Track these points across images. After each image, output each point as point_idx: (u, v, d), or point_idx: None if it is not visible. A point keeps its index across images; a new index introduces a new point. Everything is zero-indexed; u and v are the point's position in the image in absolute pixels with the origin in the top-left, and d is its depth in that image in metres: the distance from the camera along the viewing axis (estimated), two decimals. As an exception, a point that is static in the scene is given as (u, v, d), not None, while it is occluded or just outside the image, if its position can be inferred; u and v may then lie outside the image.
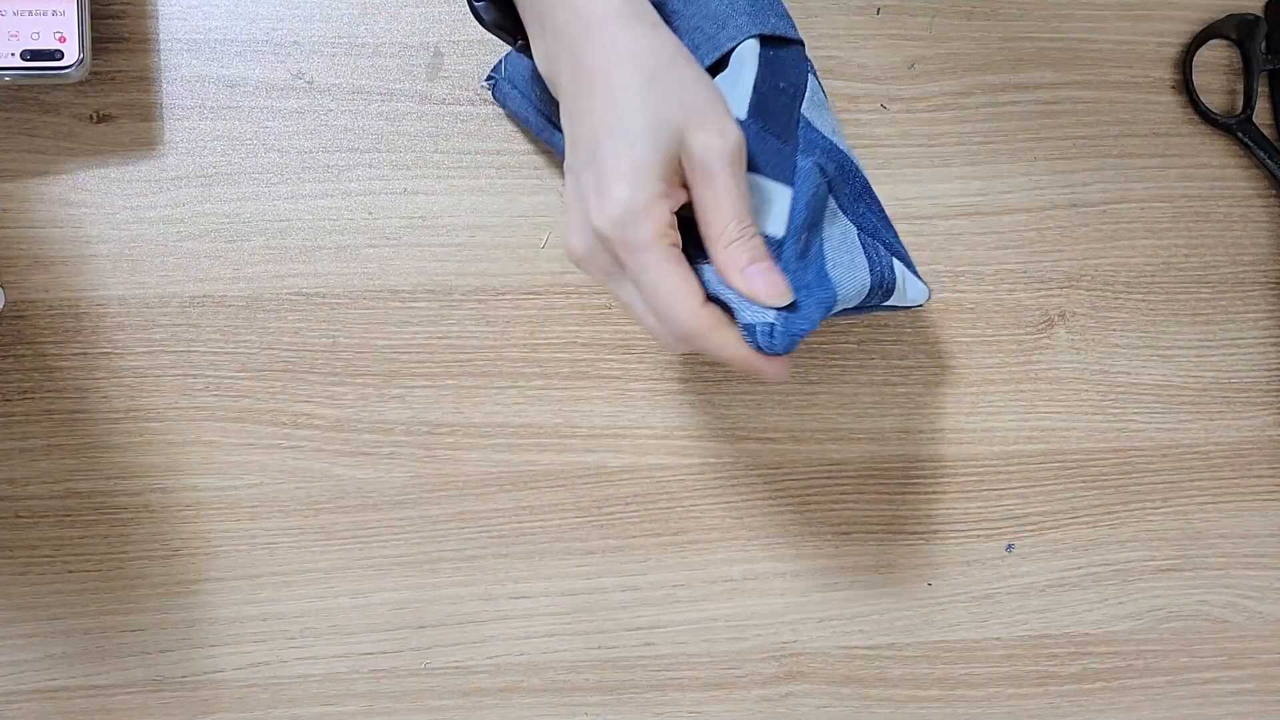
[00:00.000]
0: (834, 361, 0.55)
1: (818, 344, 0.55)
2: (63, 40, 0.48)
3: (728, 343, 0.40)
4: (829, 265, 0.43)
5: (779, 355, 0.41)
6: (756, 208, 0.42)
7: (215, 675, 0.52)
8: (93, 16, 0.50)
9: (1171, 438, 0.57)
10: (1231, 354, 0.57)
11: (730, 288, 0.40)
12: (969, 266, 0.56)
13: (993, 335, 0.56)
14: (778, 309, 0.40)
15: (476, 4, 0.44)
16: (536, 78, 0.47)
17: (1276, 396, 0.57)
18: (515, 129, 0.53)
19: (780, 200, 0.43)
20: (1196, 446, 0.57)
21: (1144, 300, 0.57)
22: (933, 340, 0.56)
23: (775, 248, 0.42)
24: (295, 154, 0.52)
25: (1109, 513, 0.56)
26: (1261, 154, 0.56)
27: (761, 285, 0.39)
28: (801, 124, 0.45)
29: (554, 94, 0.43)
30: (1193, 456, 0.57)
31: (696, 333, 0.39)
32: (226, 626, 0.52)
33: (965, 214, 0.56)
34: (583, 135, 0.39)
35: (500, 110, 0.53)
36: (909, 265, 0.47)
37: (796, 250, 0.42)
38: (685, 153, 0.39)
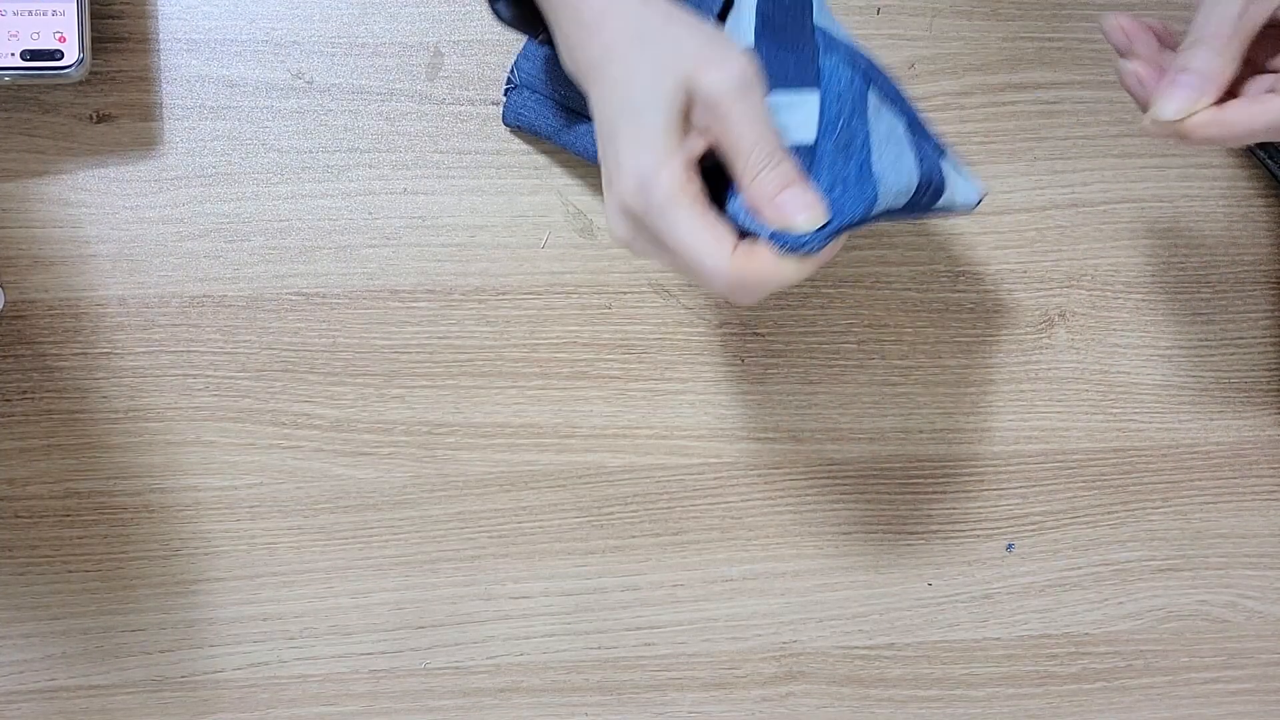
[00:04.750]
0: (834, 361, 0.55)
1: (818, 344, 0.55)
2: (62, 40, 0.48)
3: (767, 274, 0.38)
4: (874, 158, 0.41)
5: (815, 253, 0.38)
6: (783, 125, 0.40)
7: (215, 675, 0.52)
8: (93, 16, 0.50)
9: (1171, 438, 0.57)
10: (1231, 354, 0.57)
11: (763, 223, 0.38)
12: (969, 266, 0.56)
13: (993, 335, 0.56)
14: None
15: (495, 3, 0.44)
16: (554, 73, 0.48)
17: (1276, 396, 0.57)
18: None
19: (807, 104, 0.40)
20: (1196, 446, 0.57)
21: (1144, 300, 0.57)
22: (933, 340, 0.56)
23: (808, 155, 0.39)
24: (295, 154, 0.52)
25: (1109, 513, 0.56)
26: (1261, 154, 0.56)
27: (792, 210, 0.37)
28: (817, 31, 0.43)
29: (584, 90, 0.42)
30: (1193, 456, 0.57)
31: (735, 282, 0.37)
32: (226, 626, 0.52)
33: (965, 214, 0.56)
34: (602, 120, 0.39)
35: (500, 110, 0.53)
36: (956, 165, 0.45)
37: (834, 145, 0.39)
38: (695, 98, 0.37)
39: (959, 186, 0.44)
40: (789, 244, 0.38)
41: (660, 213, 0.37)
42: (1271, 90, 0.40)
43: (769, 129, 0.38)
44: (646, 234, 0.39)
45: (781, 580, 0.55)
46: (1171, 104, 0.40)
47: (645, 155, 0.37)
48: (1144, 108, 0.42)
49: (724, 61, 0.37)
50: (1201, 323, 0.57)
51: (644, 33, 0.38)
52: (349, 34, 0.53)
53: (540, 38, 0.45)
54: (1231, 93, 0.41)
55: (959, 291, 0.56)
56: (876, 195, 0.40)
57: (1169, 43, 0.44)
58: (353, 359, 0.53)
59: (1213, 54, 0.40)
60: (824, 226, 0.38)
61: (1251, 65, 0.41)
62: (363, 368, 0.53)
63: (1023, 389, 0.56)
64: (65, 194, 0.51)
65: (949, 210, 0.45)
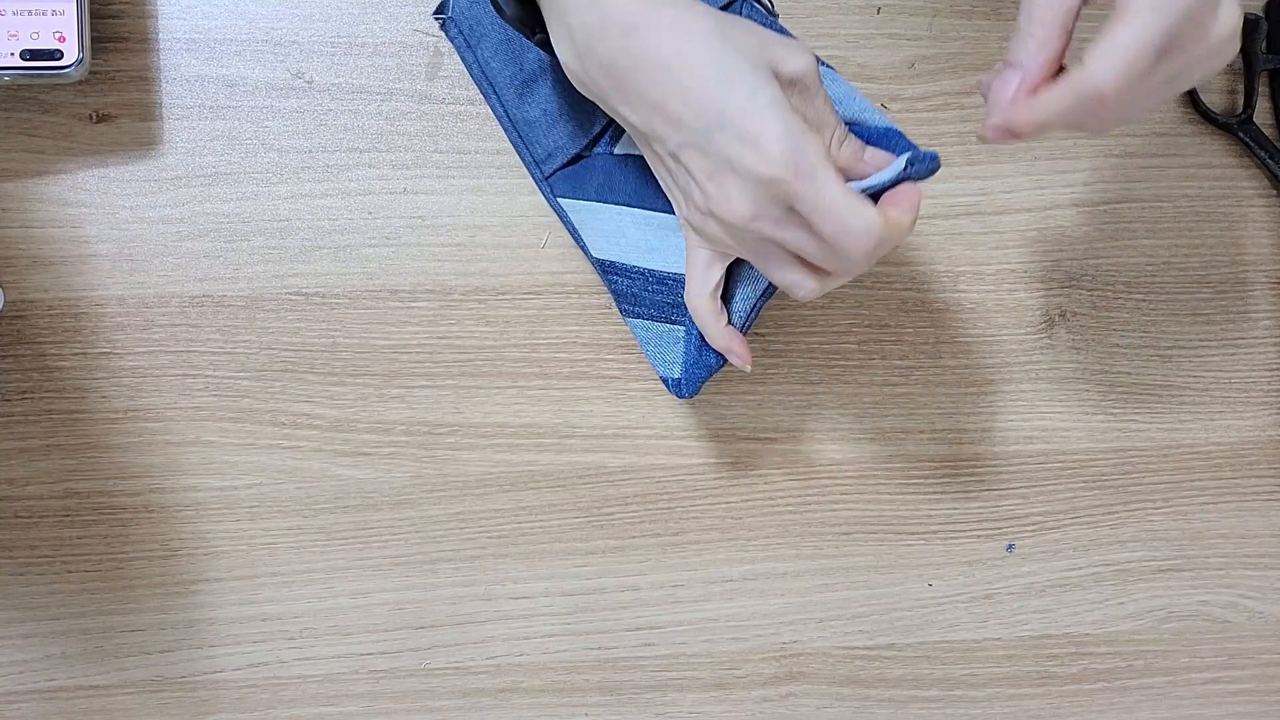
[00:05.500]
0: (834, 361, 0.55)
1: (818, 344, 0.55)
2: (62, 40, 0.48)
3: (903, 223, 0.41)
4: (878, 118, 0.47)
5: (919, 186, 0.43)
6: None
7: (215, 675, 0.52)
8: (92, 16, 0.50)
9: (1171, 438, 0.57)
10: (1231, 354, 0.57)
11: (859, 179, 0.43)
12: (969, 266, 0.56)
13: (993, 335, 0.56)
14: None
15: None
16: (497, 43, 0.51)
17: (1276, 396, 0.57)
18: (515, 129, 0.53)
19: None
20: (1196, 446, 0.57)
21: (1144, 300, 0.57)
22: (933, 340, 0.55)
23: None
24: (295, 154, 0.52)
25: (1109, 513, 0.56)
26: (1262, 154, 0.56)
27: (881, 161, 0.43)
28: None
29: (587, 89, 0.43)
30: (1193, 456, 0.57)
31: (883, 235, 0.40)
32: (226, 626, 0.52)
33: (965, 214, 0.56)
34: (684, 110, 0.40)
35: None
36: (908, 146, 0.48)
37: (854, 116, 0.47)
38: (781, 80, 0.40)
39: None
40: (910, 175, 0.42)
41: (811, 174, 0.39)
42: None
43: (832, 104, 0.43)
44: (776, 209, 0.40)
45: (781, 580, 0.55)
46: (1000, 98, 0.41)
47: (788, 124, 0.39)
48: None
49: (799, 50, 0.41)
50: (1201, 323, 0.57)
51: (714, 23, 0.40)
52: (349, 34, 0.53)
53: (537, 38, 0.46)
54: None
55: (959, 291, 0.56)
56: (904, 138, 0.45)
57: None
58: (353, 359, 0.53)
59: (1030, 42, 0.40)
60: (905, 171, 0.42)
61: None
62: (363, 368, 0.53)
63: (1023, 389, 0.56)
64: (65, 194, 0.51)
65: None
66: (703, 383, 0.50)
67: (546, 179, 0.52)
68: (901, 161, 0.41)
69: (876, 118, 0.47)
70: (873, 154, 0.44)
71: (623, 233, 0.50)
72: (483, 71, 0.52)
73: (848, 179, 0.42)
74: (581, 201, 0.51)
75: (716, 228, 0.42)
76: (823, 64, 0.47)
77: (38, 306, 0.51)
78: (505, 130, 0.53)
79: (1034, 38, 0.40)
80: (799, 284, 0.43)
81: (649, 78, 0.40)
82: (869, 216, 0.39)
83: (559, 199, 0.52)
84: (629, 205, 0.50)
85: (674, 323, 0.50)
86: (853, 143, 0.43)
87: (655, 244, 0.50)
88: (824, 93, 0.42)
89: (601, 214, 0.51)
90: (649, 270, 0.50)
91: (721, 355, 0.48)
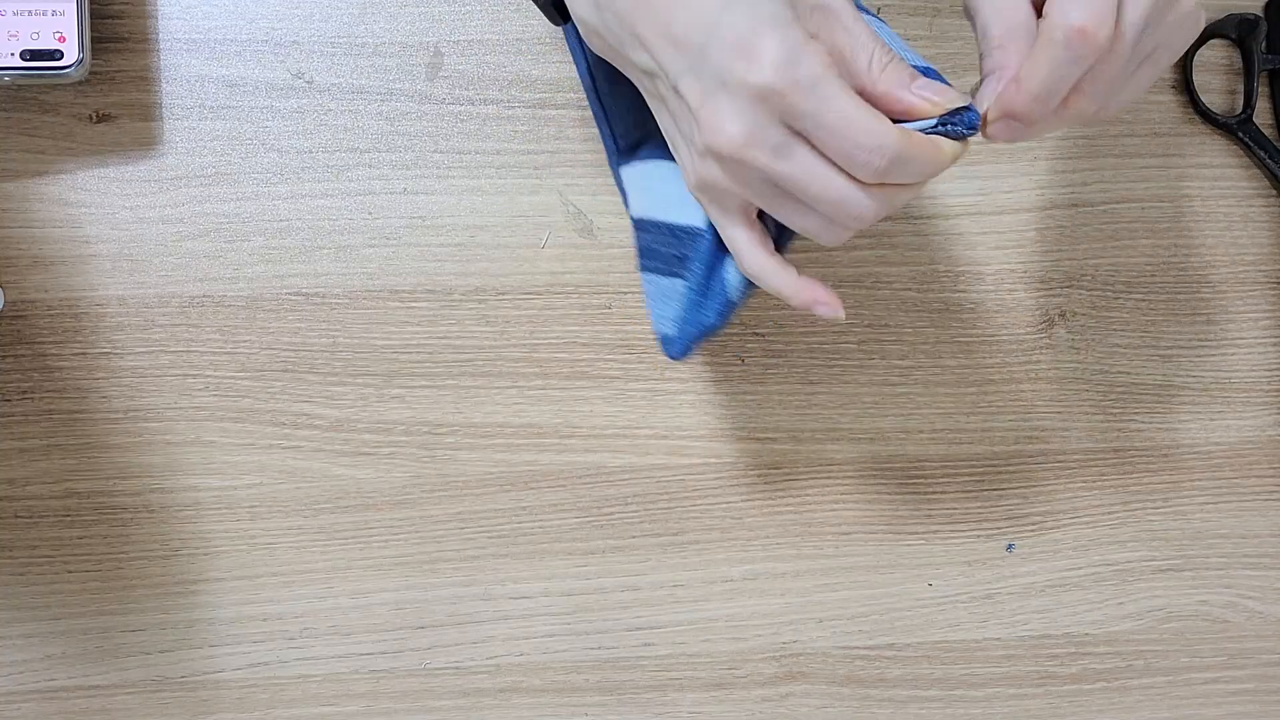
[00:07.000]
0: (834, 361, 0.55)
1: (818, 344, 0.55)
2: (62, 40, 0.48)
3: (929, 149, 0.37)
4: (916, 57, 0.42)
5: (968, 137, 0.38)
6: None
7: (215, 675, 0.52)
8: (93, 16, 0.50)
9: (1171, 438, 0.57)
10: (1231, 354, 0.57)
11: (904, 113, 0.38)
12: (969, 266, 0.56)
13: (993, 335, 0.56)
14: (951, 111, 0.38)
15: None
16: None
17: (1276, 396, 0.57)
18: (515, 129, 0.53)
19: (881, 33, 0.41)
20: (1196, 446, 0.57)
21: (1144, 300, 0.57)
22: (933, 340, 0.56)
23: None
24: (295, 154, 0.52)
25: (1109, 513, 0.56)
26: (1261, 154, 0.56)
27: (937, 94, 0.38)
28: None
29: (604, 42, 0.41)
30: (1193, 456, 0.57)
31: (901, 151, 0.36)
32: (226, 626, 0.52)
33: (965, 214, 0.56)
34: (683, 34, 0.37)
35: (500, 110, 0.53)
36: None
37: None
38: (797, 5, 0.37)
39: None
40: (947, 130, 0.38)
41: (813, 86, 0.35)
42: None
43: (871, 30, 0.38)
44: (775, 131, 0.37)
45: (781, 580, 0.55)
46: (987, 98, 0.38)
47: (786, 34, 0.35)
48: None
49: None
50: (1201, 323, 0.57)
51: None
52: (349, 34, 0.53)
53: None
54: None
55: (959, 291, 0.56)
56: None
57: None
58: (353, 359, 0.53)
59: (1005, 46, 0.38)
60: (958, 112, 0.38)
61: None
62: (363, 368, 0.53)
63: (1023, 389, 0.56)
64: (65, 194, 0.51)
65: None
66: (694, 343, 0.47)
67: (620, 152, 0.52)
68: (932, 120, 0.38)
69: (913, 57, 0.43)
70: (925, 84, 0.38)
71: (651, 187, 0.49)
72: (583, 51, 0.52)
73: (891, 116, 0.37)
74: (632, 163, 0.51)
75: (716, 169, 0.39)
76: (862, 9, 0.44)
77: (38, 306, 0.51)
78: (591, 108, 0.52)
79: (1015, 42, 0.37)
80: (822, 227, 0.39)
81: (634, 12, 0.38)
82: (884, 127, 0.35)
83: (620, 168, 0.52)
84: (659, 158, 0.49)
85: (676, 276, 0.48)
86: (898, 67, 0.38)
87: (673, 194, 0.48)
88: (852, 13, 0.37)
89: (640, 169, 0.50)
90: (661, 222, 0.48)
91: (716, 314, 0.46)
